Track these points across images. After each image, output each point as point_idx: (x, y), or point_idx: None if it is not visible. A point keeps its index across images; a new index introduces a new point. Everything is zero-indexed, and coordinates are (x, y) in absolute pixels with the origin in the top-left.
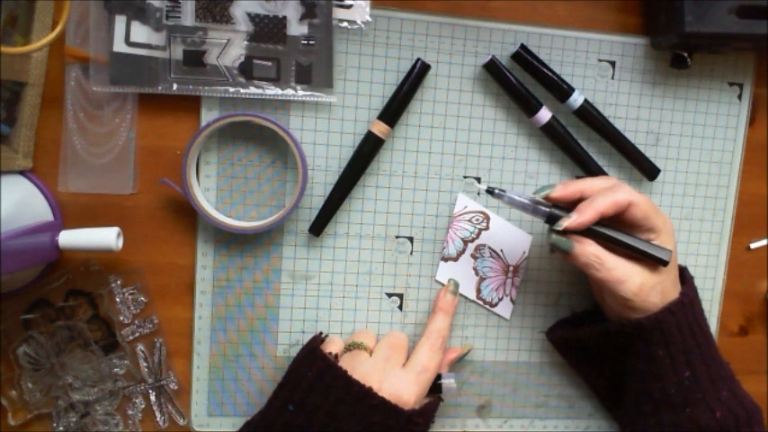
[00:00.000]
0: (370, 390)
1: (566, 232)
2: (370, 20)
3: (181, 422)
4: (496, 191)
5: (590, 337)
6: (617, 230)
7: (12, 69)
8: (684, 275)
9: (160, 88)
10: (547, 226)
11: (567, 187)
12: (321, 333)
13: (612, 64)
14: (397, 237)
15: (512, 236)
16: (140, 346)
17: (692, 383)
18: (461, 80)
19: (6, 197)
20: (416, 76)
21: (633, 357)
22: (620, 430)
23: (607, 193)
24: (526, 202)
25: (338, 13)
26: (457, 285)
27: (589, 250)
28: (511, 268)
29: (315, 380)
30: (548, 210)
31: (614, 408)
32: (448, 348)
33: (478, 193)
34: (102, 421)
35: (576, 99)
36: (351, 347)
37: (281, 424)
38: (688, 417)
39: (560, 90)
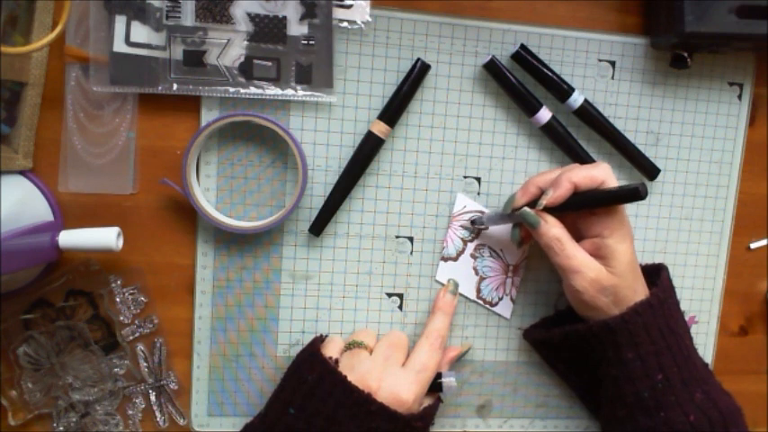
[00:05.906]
0: (368, 395)
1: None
2: (370, 20)
3: (181, 422)
4: (476, 221)
5: (562, 338)
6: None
7: (12, 69)
8: (661, 276)
9: (160, 88)
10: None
11: (526, 191)
12: (321, 335)
13: (612, 64)
14: (397, 237)
15: None
16: (140, 346)
17: (666, 387)
18: (461, 80)
19: (6, 197)
20: (416, 76)
21: (605, 362)
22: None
23: (584, 166)
24: (505, 214)
25: (338, 13)
26: (456, 285)
27: (552, 232)
28: (511, 268)
29: (315, 384)
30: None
31: (594, 410)
32: (447, 347)
33: (478, 193)
34: (102, 421)
35: (576, 99)
36: (351, 346)
37: (281, 427)
38: (663, 421)
39: (560, 90)
